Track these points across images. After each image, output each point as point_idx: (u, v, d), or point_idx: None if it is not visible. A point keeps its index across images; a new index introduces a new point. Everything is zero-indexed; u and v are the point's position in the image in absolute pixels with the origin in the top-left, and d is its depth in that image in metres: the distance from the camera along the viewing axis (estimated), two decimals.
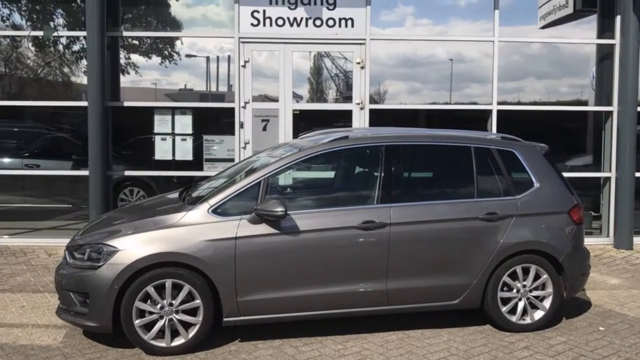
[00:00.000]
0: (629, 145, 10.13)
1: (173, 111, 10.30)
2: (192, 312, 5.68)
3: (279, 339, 6.04)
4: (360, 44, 10.15)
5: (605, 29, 10.78)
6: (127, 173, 10.73)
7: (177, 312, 5.64)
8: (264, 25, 10.06)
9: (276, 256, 5.83)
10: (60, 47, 11.60)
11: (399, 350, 5.85)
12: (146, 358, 5.64)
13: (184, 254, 5.61)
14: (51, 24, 11.01)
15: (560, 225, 6.53)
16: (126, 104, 10.28)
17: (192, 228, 5.72)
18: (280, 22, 10.06)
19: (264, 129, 10.14)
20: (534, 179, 6.58)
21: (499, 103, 10.41)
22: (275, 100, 10.23)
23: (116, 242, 5.67)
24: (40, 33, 10.76)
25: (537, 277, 6.38)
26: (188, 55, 11.12)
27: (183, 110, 10.29)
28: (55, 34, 10.65)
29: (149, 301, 5.61)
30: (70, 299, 5.76)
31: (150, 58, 11.55)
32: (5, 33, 11.33)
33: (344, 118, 10.33)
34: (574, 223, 6.58)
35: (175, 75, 11.42)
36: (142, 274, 5.56)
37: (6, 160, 11.34)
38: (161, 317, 5.63)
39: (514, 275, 6.34)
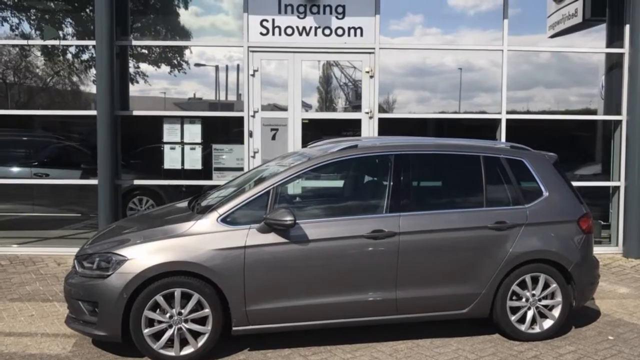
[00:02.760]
0: (638, 154, 10.11)
1: (182, 120, 10.32)
2: (201, 321, 5.68)
3: (288, 348, 6.03)
4: (369, 53, 10.16)
5: (614, 38, 10.78)
6: (136, 182, 10.75)
7: (186, 321, 5.64)
8: (273, 34, 10.09)
9: (285, 265, 5.82)
10: (69, 56, 11.65)
11: None
12: None
13: (193, 263, 5.61)
14: (60, 33, 11.05)
15: (569, 234, 6.51)
16: (135, 113, 10.31)
17: (201, 237, 5.73)
18: (289, 31, 10.09)
19: (273, 138, 10.16)
20: (543, 188, 6.57)
21: (508, 112, 10.39)
22: (285, 109, 10.25)
23: (125, 251, 5.68)
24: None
25: (546, 286, 6.36)
26: (197, 65, 11.15)
27: (192, 119, 10.31)
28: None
29: (158, 310, 5.61)
30: (80, 308, 5.76)
31: (159, 67, 11.61)
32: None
33: (353, 127, 10.33)
34: (583, 232, 6.56)
35: (185, 84, 11.46)
36: (151, 283, 5.57)
37: (15, 169, 11.38)
38: (170, 326, 5.63)
39: (523, 285, 6.32)
